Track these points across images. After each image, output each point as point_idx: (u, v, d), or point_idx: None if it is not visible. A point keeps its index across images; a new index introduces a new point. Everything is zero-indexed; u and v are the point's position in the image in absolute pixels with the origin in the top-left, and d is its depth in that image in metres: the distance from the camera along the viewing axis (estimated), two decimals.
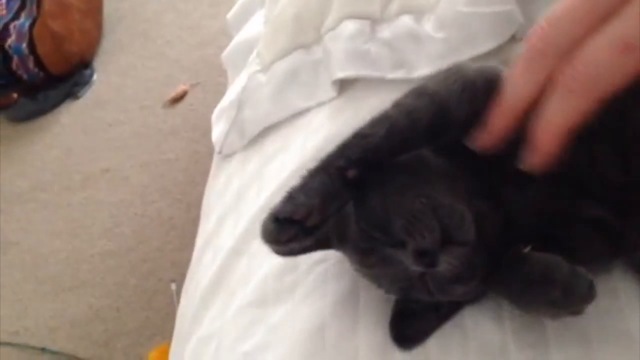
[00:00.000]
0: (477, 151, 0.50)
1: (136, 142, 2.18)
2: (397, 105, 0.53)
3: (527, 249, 0.52)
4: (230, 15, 1.09)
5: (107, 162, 2.16)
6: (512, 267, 0.52)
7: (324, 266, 0.65)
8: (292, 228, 0.51)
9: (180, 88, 2.19)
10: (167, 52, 2.40)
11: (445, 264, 0.50)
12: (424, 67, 0.74)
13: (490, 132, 0.48)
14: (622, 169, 0.52)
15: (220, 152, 0.88)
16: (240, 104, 0.85)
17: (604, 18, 0.40)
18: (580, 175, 0.53)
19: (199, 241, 0.82)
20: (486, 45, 0.73)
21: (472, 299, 0.57)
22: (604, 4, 0.40)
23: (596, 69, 0.40)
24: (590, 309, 0.54)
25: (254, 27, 0.98)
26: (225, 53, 1.01)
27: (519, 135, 0.49)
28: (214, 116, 0.91)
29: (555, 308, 0.50)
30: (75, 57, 2.40)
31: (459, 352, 0.56)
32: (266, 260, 0.69)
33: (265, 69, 0.86)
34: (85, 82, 2.38)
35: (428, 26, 0.76)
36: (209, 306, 0.71)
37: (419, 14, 0.78)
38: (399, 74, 0.76)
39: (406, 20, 0.78)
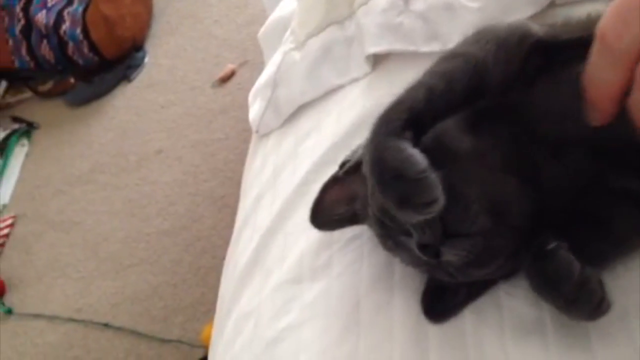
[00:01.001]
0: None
1: (187, 123, 2.22)
2: (429, 72, 0.52)
3: (552, 245, 0.50)
4: None
5: (160, 142, 2.21)
6: (532, 261, 0.51)
7: (358, 242, 0.66)
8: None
9: (229, 67, 2.21)
10: (215, 32, 2.42)
11: (450, 255, 0.50)
12: (459, 38, 0.72)
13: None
14: None
15: (257, 132, 0.89)
16: (275, 83, 0.86)
17: None
18: (618, 145, 0.51)
19: (238, 221, 0.84)
20: (524, 12, 0.71)
21: (505, 276, 0.56)
22: None
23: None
24: (629, 284, 0.53)
25: (288, 4, 0.98)
26: (260, 32, 1.01)
27: (558, 107, 0.48)
28: (250, 96, 0.92)
29: (562, 314, 0.50)
30: (127, 41, 2.44)
31: (494, 326, 0.55)
32: (301, 238, 0.69)
33: (299, 46, 0.86)
34: (138, 65, 2.43)
35: None
36: (247, 284, 0.72)
37: None
38: (433, 47, 0.75)
39: None
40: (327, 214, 0.62)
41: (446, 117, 0.52)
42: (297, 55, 0.86)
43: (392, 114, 0.51)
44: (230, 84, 2.22)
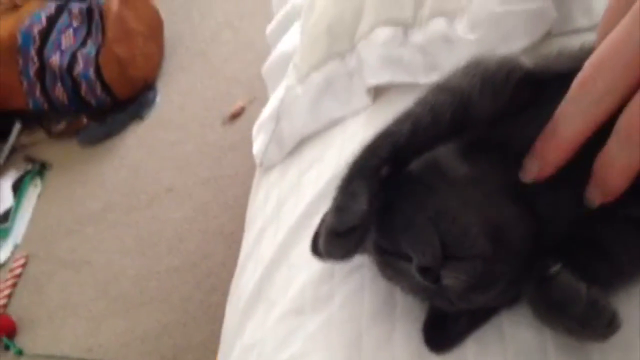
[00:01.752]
0: (529, 182, 0.50)
1: (197, 159, 2.24)
2: (419, 102, 0.52)
3: (555, 268, 0.49)
4: (269, 29, 1.11)
5: (171, 180, 2.23)
6: (536, 288, 0.50)
7: (359, 273, 0.65)
8: (354, 236, 0.50)
9: (238, 104, 2.24)
10: (225, 70, 2.46)
11: (450, 279, 0.50)
12: None
13: (544, 166, 0.48)
14: None
15: (261, 165, 0.90)
16: (278, 117, 0.87)
17: None
18: None
19: (242, 254, 0.84)
20: (520, 43, 0.71)
21: (507, 303, 0.56)
22: None
23: None
24: (632, 311, 0.52)
25: (291, 39, 1.00)
26: (264, 68, 1.02)
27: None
28: (254, 130, 0.93)
29: (574, 336, 0.49)
30: (139, 80, 2.48)
31: (496, 355, 0.55)
32: (304, 269, 0.69)
33: (301, 80, 0.87)
34: (149, 104, 2.46)
35: (460, 28, 0.75)
36: (250, 316, 0.72)
37: (451, 16, 0.77)
38: (432, 78, 0.75)
39: (439, 24, 0.77)
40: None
41: (431, 149, 0.52)
42: (299, 89, 0.87)
43: (375, 145, 0.51)
44: (240, 121, 2.24)
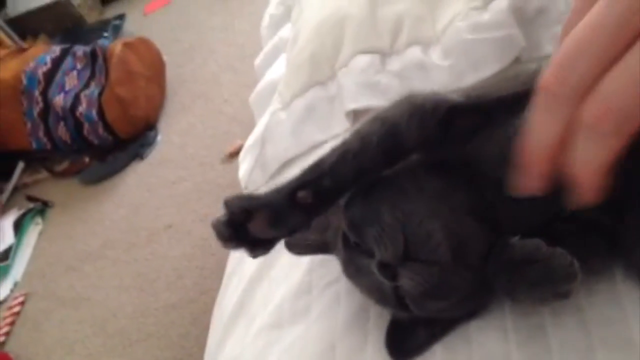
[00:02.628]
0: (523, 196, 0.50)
1: (197, 197, 2.26)
2: (355, 131, 0.56)
3: (514, 239, 0.52)
4: (257, 62, 1.16)
5: (170, 217, 2.25)
6: (496, 256, 0.52)
7: (336, 287, 0.67)
8: (231, 229, 0.52)
9: (237, 143, 2.27)
10: (225, 110, 2.50)
11: (407, 279, 0.51)
12: None
13: (530, 179, 0.47)
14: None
15: (246, 189, 0.92)
16: (263, 141, 0.90)
17: (617, 55, 0.39)
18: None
19: (227, 271, 0.86)
20: (490, 68, 0.75)
21: (463, 316, 0.58)
22: (616, 38, 0.39)
23: (623, 106, 0.39)
24: (594, 317, 0.54)
25: (278, 69, 1.04)
26: (251, 97, 1.06)
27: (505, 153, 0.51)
28: (240, 156, 0.96)
29: (538, 290, 0.50)
30: (141, 121, 2.53)
31: None
32: (283, 284, 0.71)
33: (285, 106, 0.90)
34: (150, 143, 2.50)
35: (435, 56, 0.79)
36: (231, 331, 0.74)
37: (426, 45, 0.80)
38: None
39: (414, 52, 0.81)
40: (300, 238, 0.64)
41: (361, 179, 0.55)
42: (283, 114, 0.90)
43: (302, 174, 0.55)
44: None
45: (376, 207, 0.53)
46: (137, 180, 2.46)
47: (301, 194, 0.53)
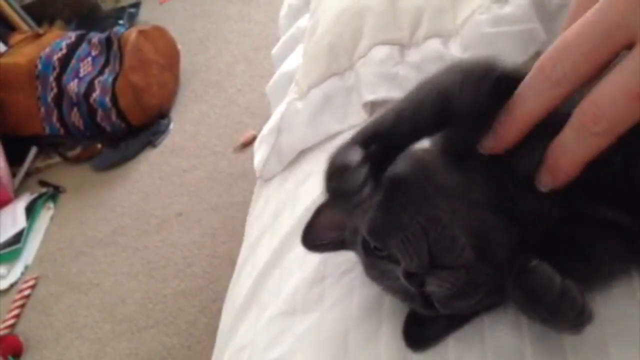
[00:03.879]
0: (486, 154, 0.52)
1: (208, 186, 2.27)
2: (402, 98, 0.55)
3: (534, 262, 0.51)
4: (274, 50, 1.15)
5: (181, 206, 2.26)
6: (515, 280, 0.52)
7: (350, 276, 0.67)
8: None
9: (250, 133, 2.28)
10: (238, 100, 2.51)
11: (434, 286, 0.51)
12: None
13: (498, 140, 0.51)
14: (626, 166, 0.52)
15: (261, 177, 0.92)
16: (279, 131, 0.90)
17: (604, 59, 0.44)
18: (591, 177, 0.53)
19: (239, 260, 0.86)
20: (510, 62, 0.74)
21: (487, 309, 0.57)
22: (601, 47, 0.44)
23: (615, 113, 0.43)
24: (608, 312, 0.54)
25: (294, 60, 1.03)
26: (268, 86, 1.06)
27: (525, 141, 0.51)
28: (255, 144, 0.96)
29: (548, 326, 0.51)
30: (154, 108, 2.54)
31: (477, 354, 0.56)
32: (297, 273, 0.71)
33: (302, 96, 0.90)
34: (163, 131, 2.51)
35: (454, 48, 0.78)
36: (243, 319, 0.74)
37: (445, 37, 0.80)
38: None
39: (434, 44, 0.80)
40: (317, 236, 0.64)
41: (413, 141, 0.54)
42: (299, 104, 0.90)
43: (361, 131, 0.53)
44: (251, 149, 2.26)
45: (396, 214, 0.53)
46: (148, 167, 2.47)
47: (372, 148, 0.51)
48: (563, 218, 0.54)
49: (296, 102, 0.90)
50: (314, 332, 0.65)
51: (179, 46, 2.75)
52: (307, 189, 0.81)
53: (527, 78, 0.49)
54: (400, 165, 0.58)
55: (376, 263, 0.56)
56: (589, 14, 0.45)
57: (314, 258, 0.71)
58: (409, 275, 0.52)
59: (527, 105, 0.49)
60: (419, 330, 0.58)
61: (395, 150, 0.53)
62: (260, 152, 0.93)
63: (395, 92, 0.80)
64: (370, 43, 0.86)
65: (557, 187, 0.49)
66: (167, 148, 2.51)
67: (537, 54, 0.75)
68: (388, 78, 0.81)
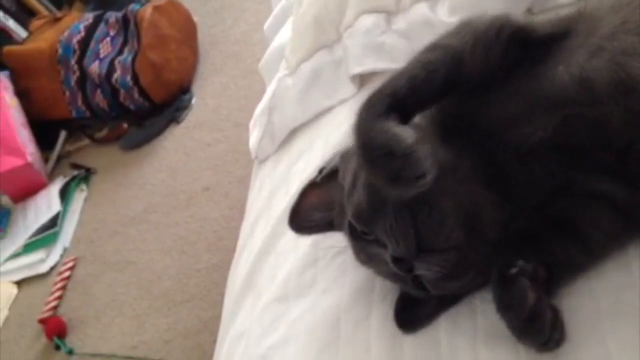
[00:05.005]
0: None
1: (233, 159, 2.26)
2: (413, 62, 0.53)
3: (514, 270, 0.50)
4: (266, 26, 1.13)
5: (208, 180, 2.26)
6: (496, 282, 0.51)
7: (342, 258, 0.67)
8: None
9: None
10: (257, 70, 2.48)
11: (423, 270, 0.50)
12: None
13: None
14: (625, 128, 0.49)
15: (256, 158, 0.91)
16: (270, 110, 0.88)
17: None
18: (585, 145, 0.51)
19: (239, 244, 0.86)
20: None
21: (478, 286, 0.56)
22: None
23: None
24: (603, 283, 0.52)
25: (285, 33, 1.01)
26: (261, 63, 1.04)
27: (519, 112, 0.48)
28: (250, 125, 0.95)
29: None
30: (174, 84, 2.53)
31: (467, 332, 0.55)
32: (290, 257, 0.71)
33: (292, 72, 0.88)
34: (185, 107, 2.50)
35: (442, 12, 0.75)
36: (241, 306, 0.74)
37: (433, 1, 0.77)
38: None
39: (421, 9, 0.77)
40: (304, 218, 0.63)
41: (427, 105, 0.52)
42: (290, 80, 0.88)
43: (375, 100, 0.51)
44: None
45: (382, 197, 0.51)
46: (174, 144, 2.47)
47: (393, 116, 0.50)
48: (555, 193, 0.52)
49: (286, 79, 0.89)
50: (307, 318, 0.65)
51: (195, 18, 2.72)
52: (300, 168, 0.79)
53: None
54: None
55: (364, 247, 0.55)
56: None
57: (306, 240, 0.70)
58: (396, 260, 0.50)
59: None
60: (410, 312, 0.58)
61: (407, 119, 0.51)
62: (254, 134, 0.92)
63: (383, 63, 0.78)
64: (356, 12, 0.83)
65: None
66: (191, 123, 2.50)
67: (528, 11, 0.72)
68: (375, 48, 0.79)
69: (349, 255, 0.66)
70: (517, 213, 0.53)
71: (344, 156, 0.60)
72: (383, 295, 0.61)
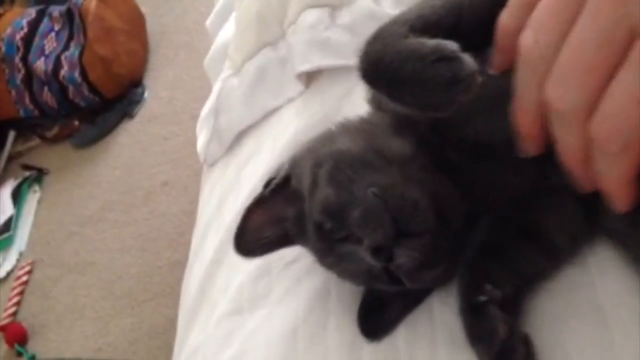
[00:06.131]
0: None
1: (190, 152, 2.21)
2: (418, 7, 0.50)
3: (483, 299, 0.48)
4: (208, 22, 1.10)
5: (166, 174, 2.22)
6: (465, 311, 0.50)
7: (296, 266, 0.65)
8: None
9: None
10: None
11: (403, 257, 0.48)
12: None
13: (527, 139, 0.44)
14: None
15: (204, 162, 0.89)
16: (216, 112, 0.85)
17: (610, 70, 0.37)
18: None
19: (191, 253, 0.83)
20: None
21: (443, 281, 0.54)
22: (603, 56, 0.37)
23: (626, 126, 0.37)
24: (560, 282, 0.51)
25: (228, 30, 0.98)
26: (206, 61, 1.01)
27: (472, 106, 0.46)
28: (197, 127, 0.92)
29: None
30: (125, 78, 2.47)
31: (426, 342, 0.54)
32: (242, 267, 0.68)
33: (236, 71, 0.85)
34: (138, 101, 2.45)
35: (386, 4, 0.73)
36: (195, 319, 0.72)
37: None
38: None
39: (365, 1, 0.75)
40: (253, 238, 0.59)
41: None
42: (235, 80, 0.85)
43: (390, 26, 0.48)
44: None
45: (347, 188, 0.49)
46: (129, 139, 2.42)
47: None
48: (517, 193, 0.51)
49: (231, 79, 0.86)
50: (263, 330, 0.63)
51: (143, 9, 2.65)
52: (248, 173, 0.77)
53: (547, 117, 0.42)
54: (341, 141, 0.54)
55: (333, 247, 0.52)
56: (577, 26, 0.38)
57: None
58: (375, 250, 0.48)
59: (566, 146, 0.42)
60: (374, 318, 0.56)
61: None
62: (201, 137, 0.89)
63: (329, 60, 0.75)
64: (298, 7, 0.80)
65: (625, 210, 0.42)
66: (145, 117, 2.45)
67: None
68: (319, 45, 0.76)
69: (302, 264, 0.64)
70: (479, 207, 0.51)
71: (295, 160, 0.57)
72: (340, 303, 0.59)
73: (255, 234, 0.59)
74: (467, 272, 0.51)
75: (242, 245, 0.59)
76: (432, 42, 0.44)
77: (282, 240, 0.59)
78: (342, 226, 0.50)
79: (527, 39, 0.41)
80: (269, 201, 0.58)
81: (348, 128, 0.57)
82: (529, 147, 0.45)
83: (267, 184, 0.59)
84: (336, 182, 0.50)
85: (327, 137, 0.56)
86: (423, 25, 0.48)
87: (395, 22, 0.49)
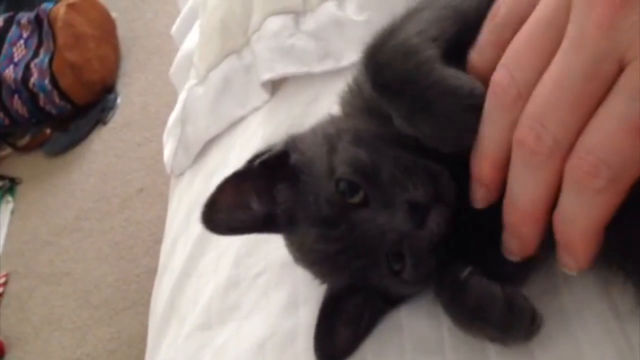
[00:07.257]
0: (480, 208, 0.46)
1: None
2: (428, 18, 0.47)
3: (464, 273, 0.47)
4: (174, 29, 1.08)
5: (141, 181, 2.21)
6: (450, 293, 0.48)
7: (265, 277, 0.64)
8: None
9: None
10: None
11: (434, 223, 0.46)
12: (351, 53, 0.70)
13: (525, 241, 0.44)
14: None
15: (171, 172, 0.87)
16: (182, 121, 0.84)
17: (593, 105, 0.35)
18: None
19: (160, 265, 0.82)
20: None
21: (420, 289, 0.53)
22: (586, 91, 0.35)
23: (614, 156, 0.35)
24: (527, 290, 0.50)
25: (193, 38, 0.97)
26: (171, 70, 1.00)
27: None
28: (164, 136, 0.91)
29: (498, 342, 0.47)
30: (97, 84, 2.45)
31: (395, 351, 0.53)
32: (211, 280, 0.67)
33: (201, 80, 0.84)
34: (111, 107, 2.43)
35: (350, 10, 0.72)
36: (164, 333, 0.71)
37: None
38: (327, 66, 0.72)
39: (329, 7, 0.74)
40: (225, 215, 0.53)
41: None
42: (200, 89, 0.84)
43: (414, 39, 0.45)
44: None
45: (378, 151, 0.48)
46: (102, 146, 2.40)
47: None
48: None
49: (197, 88, 0.84)
50: (231, 346, 0.61)
51: (113, 14, 2.62)
52: (216, 183, 0.75)
53: (513, 159, 0.40)
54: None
55: (344, 215, 0.48)
56: (558, 59, 0.36)
57: (228, 261, 0.66)
58: (413, 207, 0.46)
59: (528, 194, 0.40)
60: (330, 343, 0.55)
61: None
62: (168, 146, 0.88)
63: (293, 67, 0.74)
64: (262, 14, 0.79)
65: (587, 266, 0.41)
66: (118, 123, 2.43)
67: None
68: (284, 52, 0.75)
69: (271, 275, 0.63)
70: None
71: (296, 138, 0.53)
72: (308, 315, 0.58)
73: (228, 211, 0.53)
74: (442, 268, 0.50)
75: (211, 218, 0.52)
76: (467, 83, 0.43)
77: (264, 222, 0.53)
78: (372, 184, 0.48)
79: (502, 76, 0.39)
80: (254, 176, 0.53)
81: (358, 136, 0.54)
82: (482, 196, 0.44)
83: (253, 160, 0.53)
84: (365, 144, 0.48)
85: (334, 119, 0.55)
86: (445, 44, 0.45)
87: (418, 33, 0.45)
